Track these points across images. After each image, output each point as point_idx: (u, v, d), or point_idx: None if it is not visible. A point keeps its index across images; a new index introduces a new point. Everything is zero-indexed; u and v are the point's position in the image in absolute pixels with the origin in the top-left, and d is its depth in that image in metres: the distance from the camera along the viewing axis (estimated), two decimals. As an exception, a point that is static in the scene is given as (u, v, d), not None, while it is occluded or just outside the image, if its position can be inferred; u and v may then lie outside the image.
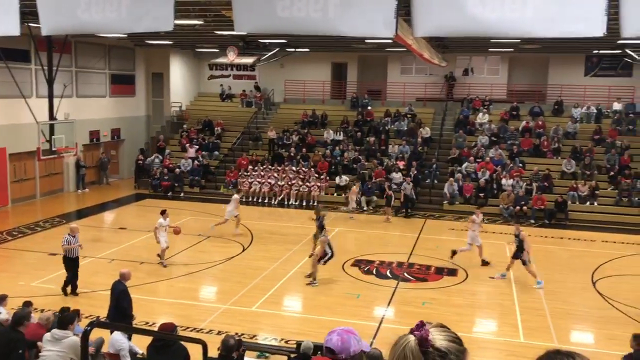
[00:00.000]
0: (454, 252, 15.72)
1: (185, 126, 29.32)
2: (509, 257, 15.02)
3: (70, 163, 24.97)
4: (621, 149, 24.06)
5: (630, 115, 26.11)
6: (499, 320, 12.28)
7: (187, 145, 27.42)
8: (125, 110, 28.59)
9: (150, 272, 14.52)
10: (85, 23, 3.98)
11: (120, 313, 9.68)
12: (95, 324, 5.89)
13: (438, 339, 1.75)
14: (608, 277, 14.92)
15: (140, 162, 26.75)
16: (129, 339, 8.09)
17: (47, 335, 6.66)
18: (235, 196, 18.64)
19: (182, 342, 6.56)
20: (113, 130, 27.85)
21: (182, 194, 24.81)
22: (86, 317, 10.66)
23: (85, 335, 4.78)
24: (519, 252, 14.11)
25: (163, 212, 15.39)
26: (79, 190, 25.15)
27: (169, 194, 24.65)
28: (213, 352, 7.27)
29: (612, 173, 23.14)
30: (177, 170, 25.44)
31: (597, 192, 22.21)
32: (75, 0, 3.94)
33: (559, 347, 1.80)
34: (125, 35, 23.01)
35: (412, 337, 1.75)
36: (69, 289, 12.83)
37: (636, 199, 21.76)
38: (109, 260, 15.41)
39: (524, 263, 14.04)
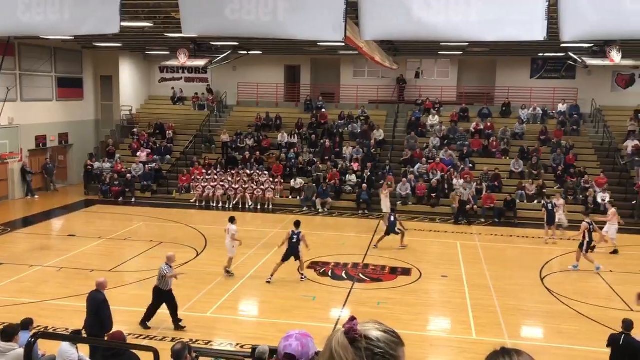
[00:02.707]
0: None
1: (135, 130, 28.74)
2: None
3: (15, 169, 24.11)
4: (566, 149, 24.90)
5: (574, 116, 27.07)
6: (451, 318, 12.50)
7: (138, 149, 26.90)
8: (73, 114, 27.81)
9: (101, 280, 14.11)
10: (26, 25, 3.85)
11: (99, 323, 9.32)
12: (40, 335, 5.69)
13: (369, 329, 1.75)
14: (555, 273, 15.41)
15: (90, 167, 26.08)
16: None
17: (-9, 349, 6.41)
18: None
19: (134, 351, 6.42)
20: (61, 135, 27.04)
21: (133, 200, 24.30)
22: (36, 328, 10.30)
23: (28, 347, 4.61)
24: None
25: (232, 220, 14.83)
26: (28, 197, 24.33)
27: (119, 200, 24.10)
28: (167, 359, 7.14)
29: (558, 172, 23.93)
30: (128, 175, 24.90)
31: (544, 190, 22.90)
32: (14, 1, 3.80)
33: (503, 346, 1.84)
34: (72, 38, 22.39)
35: (340, 331, 1.75)
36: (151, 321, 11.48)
37: (580, 196, 22.55)
38: (57, 268, 14.94)
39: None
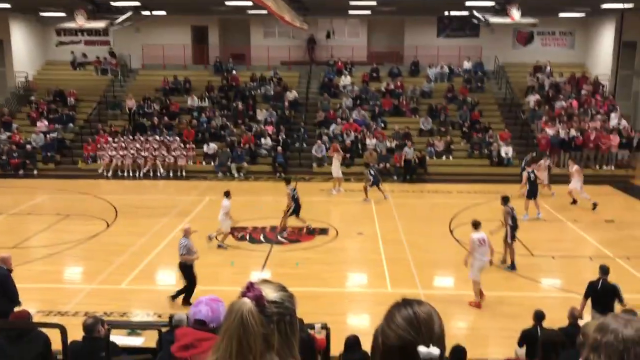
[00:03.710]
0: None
1: (33, 98, 27.00)
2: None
3: None
4: (472, 105, 25.89)
5: (479, 73, 28.10)
6: (367, 273, 12.87)
7: (38, 118, 25.30)
8: (-39, 82, 25.66)
9: (4, 257, 13.32)
10: None
11: (7, 300, 8.74)
12: None
13: (269, 292, 1.75)
14: (464, 225, 16.13)
15: (-16, 139, 24.29)
16: None
17: None
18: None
19: (42, 329, 6.12)
20: (-53, 105, 24.94)
21: (35, 172, 22.95)
22: None
23: None
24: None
25: (227, 194, 13.94)
26: None
27: (20, 173, 22.69)
28: (81, 335, 6.87)
29: (464, 128, 24.89)
30: (28, 146, 23.41)
31: (451, 146, 23.80)
32: None
33: (404, 297, 1.87)
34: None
35: (246, 300, 1.72)
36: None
37: (485, 151, 23.63)
38: (-48, 249, 13.92)
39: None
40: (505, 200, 12.61)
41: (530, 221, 16.42)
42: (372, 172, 19.14)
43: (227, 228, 14.08)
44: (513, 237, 12.49)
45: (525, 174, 17.13)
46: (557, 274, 12.92)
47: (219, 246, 14.08)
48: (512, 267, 12.59)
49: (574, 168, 18.28)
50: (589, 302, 9.00)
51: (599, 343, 1.62)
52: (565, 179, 19.02)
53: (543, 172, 18.80)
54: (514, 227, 12.43)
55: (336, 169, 20.21)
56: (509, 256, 12.68)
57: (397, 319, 1.78)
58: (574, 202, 18.20)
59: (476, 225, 10.86)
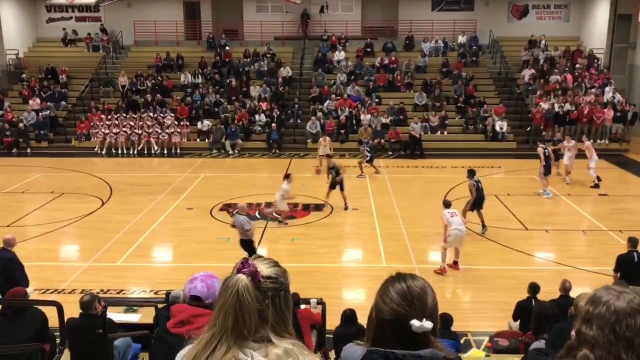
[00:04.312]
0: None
1: (24, 75, 26.69)
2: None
3: None
4: (466, 80, 25.78)
5: (473, 47, 27.92)
6: (362, 248, 12.94)
7: (30, 96, 25.07)
8: (-50, 60, 25.34)
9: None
10: None
11: (10, 285, 8.61)
12: None
13: (264, 268, 1.77)
14: (458, 199, 16.17)
15: (-25, 117, 24.08)
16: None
17: None
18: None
19: (39, 307, 6.15)
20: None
21: (28, 150, 22.82)
22: None
23: None
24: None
25: (287, 176, 14.18)
26: None
27: (13, 151, 22.56)
28: (77, 312, 6.91)
29: (459, 103, 24.82)
30: (21, 124, 23.22)
31: (446, 121, 23.76)
32: None
33: (399, 271, 1.88)
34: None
35: (242, 276, 1.73)
36: None
37: (480, 125, 23.61)
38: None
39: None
40: (471, 173, 13.36)
41: (525, 196, 16.50)
42: (367, 148, 19.41)
43: (285, 207, 14.24)
44: (480, 207, 13.36)
45: (540, 150, 16.52)
46: (550, 248, 13.02)
47: (280, 222, 14.23)
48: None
49: (585, 144, 17.67)
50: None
51: (591, 315, 1.63)
52: (559, 154, 19.02)
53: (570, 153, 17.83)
54: (481, 198, 13.24)
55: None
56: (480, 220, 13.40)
57: (390, 293, 1.80)
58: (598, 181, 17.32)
59: (447, 204, 11.48)
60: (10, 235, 9.19)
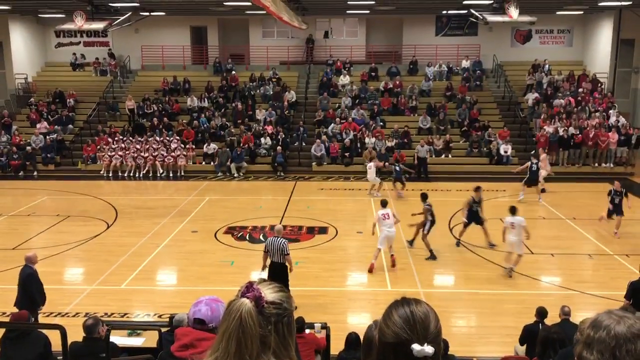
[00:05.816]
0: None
1: (33, 99, 26.99)
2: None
3: None
4: (470, 104, 25.90)
5: (477, 71, 28.11)
6: (367, 272, 12.86)
7: (38, 120, 25.32)
8: (-40, 84, 25.67)
9: (2, 258, 13.36)
10: None
11: (28, 299, 8.85)
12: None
13: (268, 293, 1.76)
14: (462, 223, 16.14)
15: (-17, 141, 24.30)
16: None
17: None
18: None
19: (42, 330, 6.15)
20: (-53, 107, 24.93)
21: (35, 173, 22.97)
22: None
23: None
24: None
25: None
26: None
27: (20, 174, 22.72)
28: (81, 335, 6.90)
29: (463, 127, 24.90)
30: (28, 147, 23.43)
31: (450, 145, 23.82)
32: None
33: (404, 296, 1.89)
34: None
35: (246, 300, 1.73)
36: None
37: (485, 149, 23.64)
38: (-47, 250, 13.95)
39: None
40: (424, 197, 13.79)
41: (530, 219, 16.41)
42: (397, 167, 19.96)
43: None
44: (429, 231, 13.46)
45: (528, 163, 18.61)
46: (556, 272, 12.94)
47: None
48: (432, 256, 13.26)
49: (541, 156, 19.64)
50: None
51: (592, 339, 1.64)
52: (564, 178, 19.05)
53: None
54: (432, 222, 13.48)
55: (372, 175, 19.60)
56: (426, 246, 13.35)
57: (394, 317, 1.81)
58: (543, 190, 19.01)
59: (384, 204, 12.73)
60: (31, 253, 9.58)
